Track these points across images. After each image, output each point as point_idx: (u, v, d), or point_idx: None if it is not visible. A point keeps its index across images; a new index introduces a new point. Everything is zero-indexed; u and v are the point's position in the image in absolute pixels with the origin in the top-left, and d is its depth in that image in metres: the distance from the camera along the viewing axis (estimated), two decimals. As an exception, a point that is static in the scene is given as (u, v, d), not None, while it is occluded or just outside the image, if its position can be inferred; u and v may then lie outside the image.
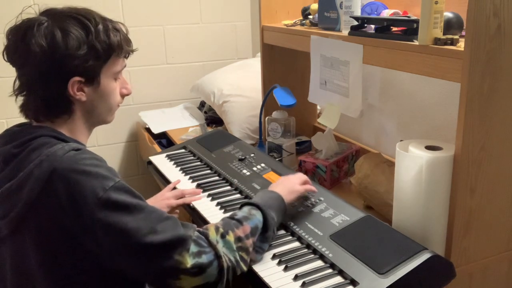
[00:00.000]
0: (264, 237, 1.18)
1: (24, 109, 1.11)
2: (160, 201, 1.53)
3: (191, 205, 1.50)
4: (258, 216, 1.17)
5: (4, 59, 1.09)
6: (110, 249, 0.99)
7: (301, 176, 1.39)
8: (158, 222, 1.01)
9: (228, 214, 1.18)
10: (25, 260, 1.02)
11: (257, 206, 1.18)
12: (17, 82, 1.10)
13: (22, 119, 1.14)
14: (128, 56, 1.17)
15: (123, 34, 1.13)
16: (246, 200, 1.21)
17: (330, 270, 1.14)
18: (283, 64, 2.03)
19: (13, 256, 1.04)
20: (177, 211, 1.53)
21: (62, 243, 1.00)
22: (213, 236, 1.06)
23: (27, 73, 1.06)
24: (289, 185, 1.33)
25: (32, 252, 1.01)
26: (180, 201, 1.52)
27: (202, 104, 2.74)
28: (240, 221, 1.13)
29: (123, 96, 1.19)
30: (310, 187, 1.37)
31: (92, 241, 0.99)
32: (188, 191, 1.55)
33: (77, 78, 1.06)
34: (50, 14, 1.07)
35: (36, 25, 1.03)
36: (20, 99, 1.11)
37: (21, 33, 1.04)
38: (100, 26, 1.07)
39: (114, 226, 0.97)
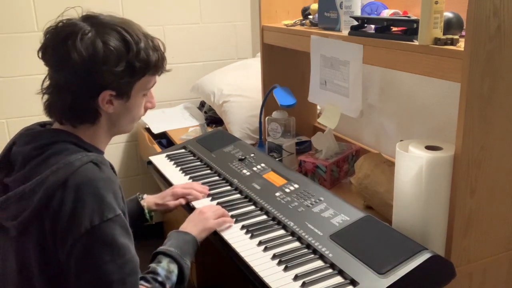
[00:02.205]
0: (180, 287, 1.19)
1: (49, 109, 1.11)
2: (168, 191, 1.55)
3: (191, 205, 1.50)
4: (175, 271, 1.17)
5: (38, 56, 1.09)
6: (76, 276, 1.00)
7: (216, 211, 1.38)
8: (130, 275, 1.02)
9: (152, 265, 1.16)
10: (27, 261, 1.03)
11: (174, 259, 1.18)
12: (47, 82, 1.09)
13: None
14: (161, 74, 1.19)
15: (161, 53, 1.14)
16: (163, 249, 1.20)
17: (330, 270, 1.14)
18: (283, 64, 2.03)
19: (17, 256, 1.05)
20: (182, 201, 1.52)
21: (56, 249, 1.00)
22: None
23: (61, 77, 1.06)
24: (201, 223, 1.33)
25: (34, 254, 1.02)
26: (187, 191, 1.53)
27: (202, 104, 2.74)
28: (163, 284, 1.12)
29: (146, 109, 1.21)
30: (224, 220, 1.36)
31: (65, 260, 1.00)
32: (197, 187, 1.56)
33: (109, 92, 1.07)
34: (94, 23, 1.06)
35: (80, 34, 1.03)
36: (45, 97, 1.11)
37: (63, 37, 1.04)
38: (142, 44, 1.08)
39: (91, 259, 0.98)
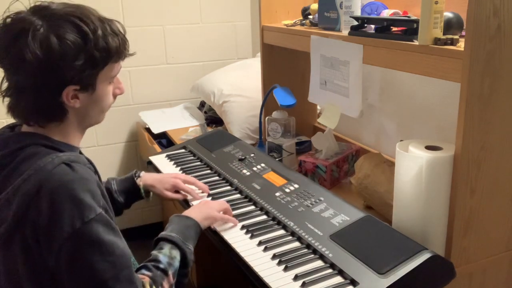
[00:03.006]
0: (183, 273, 1.17)
1: (13, 111, 1.05)
2: (169, 177, 1.54)
3: (191, 204, 1.50)
4: (178, 257, 1.15)
5: None
6: (68, 279, 0.98)
7: (222, 204, 1.38)
8: (122, 269, 0.99)
9: (154, 252, 1.15)
10: (15, 270, 1.01)
11: (176, 245, 1.17)
12: (6, 84, 1.03)
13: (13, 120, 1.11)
14: (124, 59, 1.12)
15: (121, 37, 1.07)
16: (164, 234, 1.19)
17: (330, 270, 1.14)
18: (283, 64, 2.03)
19: (5, 266, 1.03)
20: (180, 196, 1.52)
21: (43, 257, 0.98)
22: None
23: (19, 79, 1.00)
24: (206, 210, 1.32)
25: (20, 262, 1.00)
26: (187, 187, 1.52)
27: (202, 104, 2.74)
28: (165, 271, 1.10)
29: (115, 96, 1.15)
30: (228, 217, 1.36)
31: (55, 265, 0.98)
32: (200, 185, 1.56)
33: (72, 87, 1.01)
34: (45, 16, 0.99)
35: (31, 31, 0.96)
36: (7, 99, 1.06)
37: (13, 36, 0.97)
38: (99, 32, 1.01)
39: (81, 261, 0.96)
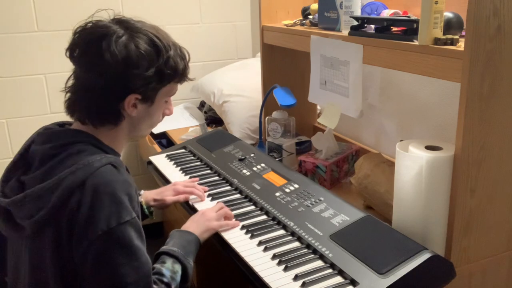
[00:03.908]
0: (184, 287, 1.19)
1: (72, 108, 1.11)
2: (168, 186, 1.56)
3: (191, 204, 1.50)
4: (179, 271, 1.17)
5: (66, 55, 1.09)
6: (91, 276, 1.00)
7: (219, 212, 1.38)
8: (145, 277, 1.02)
9: (157, 266, 1.16)
10: (41, 260, 1.03)
11: (178, 259, 1.19)
12: (72, 80, 1.10)
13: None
14: (183, 82, 1.21)
15: (186, 62, 1.17)
16: (166, 249, 1.20)
17: (330, 270, 1.14)
18: (283, 64, 2.03)
19: (31, 255, 1.06)
20: (181, 197, 1.52)
21: (71, 249, 1.00)
22: None
23: (90, 77, 1.06)
24: (204, 223, 1.34)
25: (48, 253, 1.02)
26: (188, 189, 1.53)
27: (202, 104, 2.74)
28: (169, 285, 1.12)
29: (164, 116, 1.22)
30: (227, 223, 1.37)
31: (81, 259, 1.00)
32: (199, 187, 1.56)
33: (135, 96, 1.08)
34: (127, 27, 1.08)
35: (115, 36, 1.04)
36: (67, 96, 1.11)
37: (96, 38, 1.05)
38: (171, 52, 1.10)
39: (107, 260, 0.99)
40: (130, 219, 1.01)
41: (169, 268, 1.15)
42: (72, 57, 1.09)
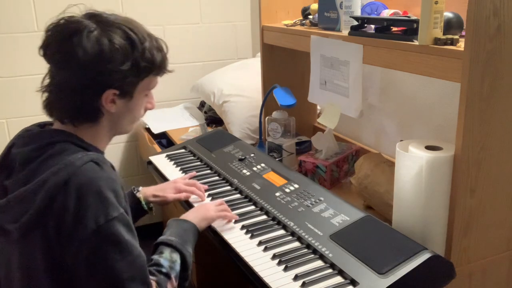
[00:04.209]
0: (184, 276, 1.18)
1: (49, 107, 1.09)
2: (169, 184, 1.55)
3: (191, 203, 1.50)
4: (178, 260, 1.17)
5: (40, 54, 1.07)
6: (86, 274, 0.99)
7: (219, 205, 1.39)
8: (140, 270, 1.02)
9: (155, 257, 1.16)
10: (33, 263, 1.02)
11: (176, 248, 1.18)
12: (48, 79, 1.08)
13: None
14: (162, 75, 1.18)
15: (164, 53, 1.14)
16: (163, 239, 1.20)
17: (330, 270, 1.14)
18: (283, 64, 2.03)
19: (22, 259, 1.04)
20: (182, 196, 1.52)
21: (61, 250, 1.00)
22: None
23: (64, 75, 1.04)
24: (202, 212, 1.34)
25: (39, 256, 1.01)
26: (189, 189, 1.53)
27: (202, 104, 2.74)
28: (168, 275, 1.12)
29: (146, 110, 1.20)
30: (225, 213, 1.37)
31: (73, 259, 0.99)
32: (199, 186, 1.57)
33: (112, 91, 1.06)
34: (99, 21, 1.05)
35: (86, 31, 1.02)
36: (44, 95, 1.09)
37: (68, 34, 1.03)
38: (146, 44, 1.08)
39: (100, 258, 0.98)
40: (118, 214, 1.00)
41: (167, 258, 1.15)
42: (45, 56, 1.06)
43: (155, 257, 1.15)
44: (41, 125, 1.16)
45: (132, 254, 1.01)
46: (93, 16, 1.07)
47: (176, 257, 1.17)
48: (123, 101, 1.10)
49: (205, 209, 1.36)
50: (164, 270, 1.12)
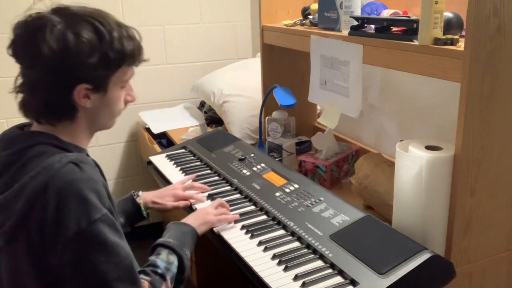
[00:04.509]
0: (180, 279, 1.18)
1: (24, 108, 1.07)
2: (168, 190, 1.54)
3: (194, 208, 1.50)
4: (175, 262, 1.17)
5: (9, 54, 1.05)
6: (72, 279, 0.98)
7: (218, 208, 1.39)
8: (126, 271, 1.00)
9: (151, 258, 1.16)
10: (20, 269, 1.00)
11: (173, 250, 1.18)
12: (20, 80, 1.06)
13: (22, 120, 1.12)
14: (138, 65, 1.13)
15: (136, 42, 1.09)
16: (161, 241, 1.20)
17: (330, 270, 1.14)
18: (283, 64, 2.03)
19: (8, 265, 1.03)
20: (181, 203, 1.52)
21: (47, 255, 0.98)
22: None
23: (32, 74, 1.02)
24: (202, 216, 1.34)
25: (25, 261, 0.99)
26: (187, 194, 1.53)
27: (202, 104, 2.74)
28: (163, 276, 1.12)
29: (126, 103, 1.16)
30: (225, 217, 1.37)
31: (59, 264, 0.97)
32: (198, 186, 1.57)
33: (84, 86, 1.02)
34: (64, 15, 1.02)
35: (49, 27, 0.98)
36: (19, 96, 1.08)
37: (32, 32, 1.00)
38: (115, 34, 1.03)
39: (85, 261, 0.96)
40: (101, 216, 0.97)
41: (164, 259, 1.15)
42: (14, 55, 1.04)
43: (152, 258, 1.15)
44: (21, 127, 1.13)
45: (118, 255, 0.99)
46: (59, 10, 1.03)
47: (173, 259, 1.17)
48: (97, 95, 1.06)
49: (204, 213, 1.35)
50: (159, 271, 1.12)
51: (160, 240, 1.21)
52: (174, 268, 1.15)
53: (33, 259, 0.99)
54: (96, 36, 1.01)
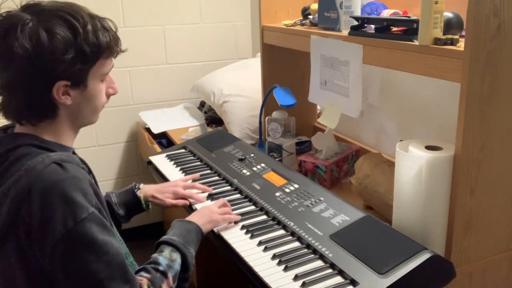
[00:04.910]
0: (184, 277, 1.17)
1: (4, 110, 1.04)
2: (169, 186, 1.54)
3: (194, 208, 1.50)
4: (178, 260, 1.16)
5: None
6: (63, 280, 0.97)
7: (220, 204, 1.39)
8: (117, 269, 0.99)
9: (154, 255, 1.15)
10: (11, 273, 1.00)
11: (177, 248, 1.17)
12: None
13: (3, 121, 1.10)
14: (116, 56, 1.10)
15: (112, 33, 1.06)
16: (165, 238, 1.19)
17: (330, 270, 1.14)
18: (283, 64, 2.03)
19: (1, 271, 1.02)
20: (180, 202, 1.52)
21: (37, 258, 0.97)
22: None
23: (8, 75, 0.99)
24: (207, 214, 1.33)
25: (16, 265, 0.99)
26: (187, 193, 1.53)
27: (202, 104, 2.74)
28: (165, 274, 1.11)
29: (109, 96, 1.13)
30: (229, 216, 1.37)
31: (49, 266, 0.97)
32: (199, 186, 1.57)
33: (62, 82, 1.00)
34: (35, 12, 0.99)
35: (19, 25, 0.96)
36: None
37: (3, 32, 0.97)
38: (89, 27, 1.01)
39: (75, 261, 0.95)
40: (88, 215, 0.95)
41: (166, 257, 1.14)
42: None
43: (154, 255, 1.14)
44: (4, 129, 1.12)
45: (108, 253, 0.98)
46: (29, 7, 1.00)
47: (176, 256, 1.16)
48: (77, 91, 1.03)
49: (210, 212, 1.35)
50: (161, 268, 1.11)
51: (164, 238, 1.20)
52: (177, 266, 1.14)
53: (23, 262, 0.98)
54: (70, 31, 0.99)
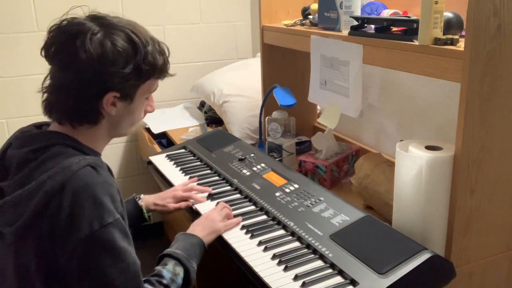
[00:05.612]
0: None
1: (49, 108, 1.09)
2: (168, 192, 1.55)
3: (194, 208, 1.50)
4: (181, 274, 1.16)
5: (41, 55, 1.07)
6: (78, 280, 0.99)
7: (222, 212, 1.39)
8: (133, 278, 1.01)
9: (158, 268, 1.16)
10: (27, 266, 1.01)
11: (180, 261, 1.18)
12: (49, 80, 1.07)
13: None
14: (163, 78, 1.17)
15: (165, 57, 1.14)
16: (169, 251, 1.20)
17: (330, 270, 1.14)
18: (283, 64, 2.03)
19: (16, 262, 1.03)
20: (183, 204, 1.52)
21: (56, 255, 0.99)
22: None
23: (66, 76, 1.04)
24: (209, 224, 1.33)
25: (33, 259, 1.00)
26: (186, 194, 1.53)
27: (202, 104, 2.74)
28: (168, 287, 1.12)
29: (145, 113, 1.19)
30: (231, 221, 1.37)
31: (66, 264, 0.98)
32: (197, 188, 1.57)
33: (113, 94, 1.05)
34: (103, 24, 1.05)
35: (89, 33, 1.02)
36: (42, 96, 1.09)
37: (71, 36, 1.02)
38: (149, 48, 1.08)
39: (93, 264, 0.97)
40: (113, 220, 0.99)
41: (170, 270, 1.15)
42: (47, 57, 1.06)
43: (158, 268, 1.15)
44: (38, 126, 1.15)
45: (125, 261, 1.00)
46: (96, 19, 1.07)
47: (180, 270, 1.16)
48: (123, 104, 1.09)
49: (211, 222, 1.34)
50: (164, 281, 1.11)
51: (168, 251, 1.21)
52: (179, 280, 1.15)
53: (41, 259, 0.99)
54: (132, 48, 1.05)
